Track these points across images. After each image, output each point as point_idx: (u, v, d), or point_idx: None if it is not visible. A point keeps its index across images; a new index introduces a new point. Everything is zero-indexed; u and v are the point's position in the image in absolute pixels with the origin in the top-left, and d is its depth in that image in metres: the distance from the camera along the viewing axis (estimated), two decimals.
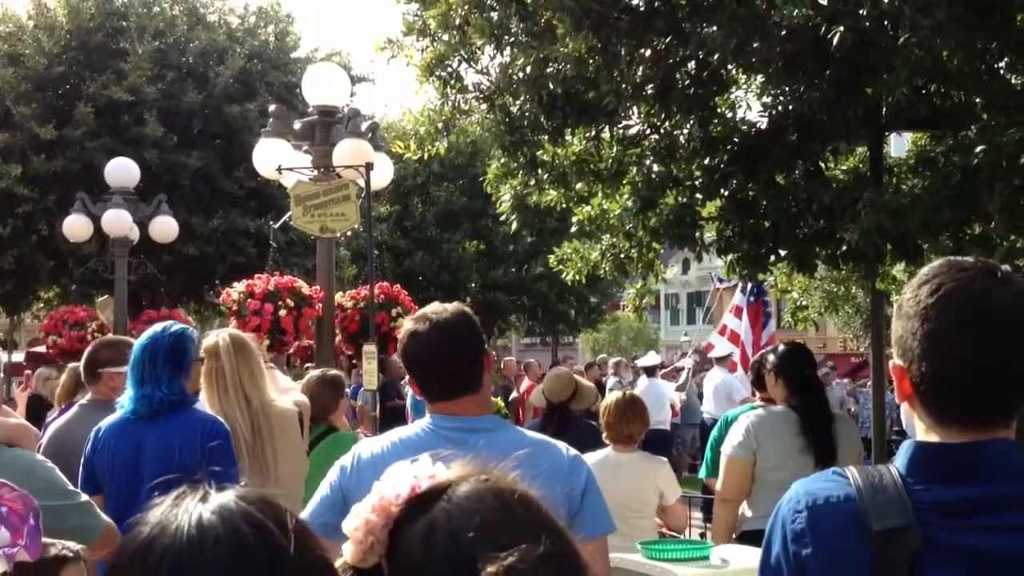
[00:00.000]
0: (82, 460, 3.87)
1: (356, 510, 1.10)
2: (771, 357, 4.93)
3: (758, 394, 5.82)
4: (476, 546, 1.01)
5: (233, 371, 4.17)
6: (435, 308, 2.71)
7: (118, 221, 12.35)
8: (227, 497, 1.04)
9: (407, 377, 2.92)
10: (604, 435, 5.22)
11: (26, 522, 1.77)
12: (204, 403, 5.75)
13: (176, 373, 3.86)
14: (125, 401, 3.87)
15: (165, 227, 13.23)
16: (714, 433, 5.64)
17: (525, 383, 13.79)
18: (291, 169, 8.74)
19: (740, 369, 13.08)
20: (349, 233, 9.77)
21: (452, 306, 2.73)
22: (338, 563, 1.11)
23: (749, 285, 13.43)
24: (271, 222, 10.98)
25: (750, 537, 4.41)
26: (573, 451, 2.72)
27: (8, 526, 1.73)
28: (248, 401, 4.16)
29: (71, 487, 3.12)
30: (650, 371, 15.08)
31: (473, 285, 29.48)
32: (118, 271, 12.72)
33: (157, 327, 3.98)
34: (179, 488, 1.06)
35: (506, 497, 1.08)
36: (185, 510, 1.02)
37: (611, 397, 5.37)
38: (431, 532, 1.04)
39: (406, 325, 2.71)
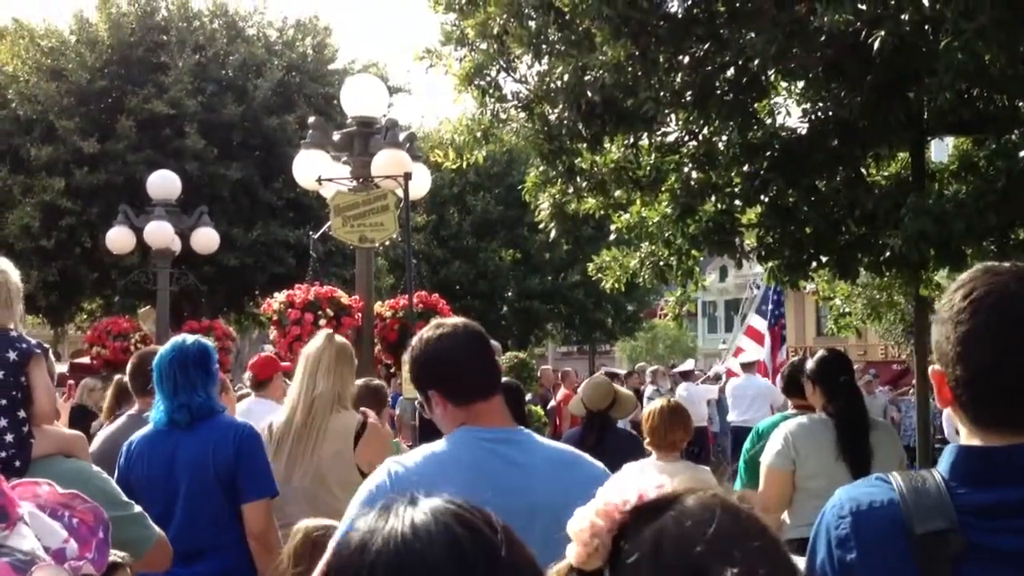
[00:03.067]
0: (116, 474, 3.81)
1: (580, 513, 1.10)
2: (809, 364, 4.90)
3: (791, 402, 5.79)
4: (707, 557, 1.00)
5: (318, 353, 4.21)
6: (444, 320, 2.69)
7: (160, 233, 12.49)
8: (437, 500, 1.05)
9: None
10: (647, 442, 5.21)
11: (95, 535, 1.75)
12: (247, 411, 5.79)
13: (208, 380, 3.88)
14: (155, 414, 3.86)
15: (206, 238, 13.35)
16: (747, 445, 5.60)
17: (562, 392, 13.76)
18: (330, 180, 8.81)
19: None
20: (387, 243, 9.82)
21: (456, 320, 2.72)
22: (559, 565, 1.11)
23: (768, 309, 13.59)
24: (310, 232, 11.07)
25: (791, 545, 4.35)
26: (601, 465, 2.70)
27: (77, 538, 1.70)
28: (315, 384, 4.18)
29: (125, 498, 3.14)
30: (686, 375, 15.73)
31: (509, 294, 29.52)
32: (160, 282, 12.86)
33: (177, 339, 3.97)
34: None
35: (736, 512, 1.07)
36: (396, 514, 1.03)
37: (654, 404, 5.37)
38: (660, 539, 1.04)
39: (422, 335, 2.64)
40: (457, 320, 2.67)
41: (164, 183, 13.12)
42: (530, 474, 2.41)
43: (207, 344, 3.98)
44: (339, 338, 4.36)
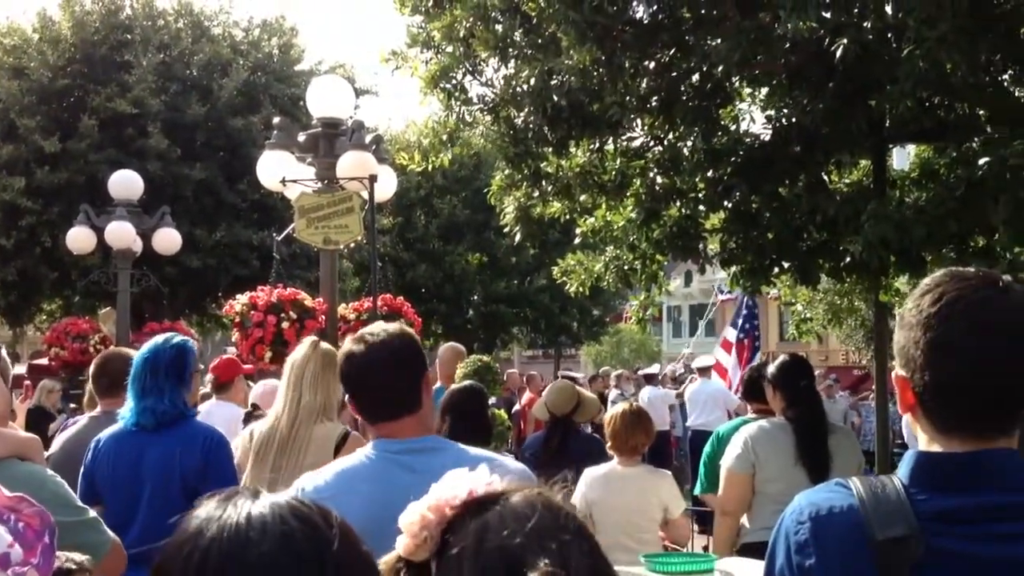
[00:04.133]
0: (82, 471, 3.85)
1: (413, 507, 1.16)
2: (770, 369, 4.93)
3: (749, 406, 5.83)
4: (525, 548, 1.06)
5: (304, 362, 4.13)
6: (374, 329, 2.65)
7: (121, 233, 12.36)
8: (278, 496, 1.08)
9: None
10: (609, 445, 5.22)
11: (41, 539, 1.71)
12: (207, 414, 5.73)
13: (178, 385, 3.86)
14: (126, 412, 3.86)
15: (168, 239, 13.22)
16: (707, 449, 5.63)
17: (527, 395, 13.76)
18: (295, 181, 8.74)
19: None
20: (352, 245, 9.77)
21: (392, 327, 2.67)
22: (389, 556, 1.16)
23: (740, 321, 13.78)
24: (274, 234, 10.99)
25: (750, 549, 4.41)
26: (521, 465, 2.70)
27: (23, 543, 1.66)
28: (301, 394, 4.12)
29: (80, 503, 3.10)
30: (650, 379, 15.88)
31: (476, 297, 29.49)
32: (121, 283, 12.72)
33: (158, 339, 3.97)
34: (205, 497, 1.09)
35: (556, 510, 1.13)
36: (235, 505, 1.06)
37: (616, 409, 5.38)
38: (483, 532, 1.10)
39: (344, 346, 2.65)
40: (378, 335, 2.60)
41: (126, 183, 12.98)
42: (430, 482, 2.38)
43: (185, 346, 3.95)
44: (325, 345, 4.30)
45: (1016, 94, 6.03)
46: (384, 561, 1.17)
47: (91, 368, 4.69)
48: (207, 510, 1.06)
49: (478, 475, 1.17)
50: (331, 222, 8.56)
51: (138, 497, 3.71)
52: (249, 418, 5.93)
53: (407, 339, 2.63)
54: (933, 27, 4.35)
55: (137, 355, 3.93)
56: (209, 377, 7.06)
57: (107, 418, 4.32)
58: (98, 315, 15.57)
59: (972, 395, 1.56)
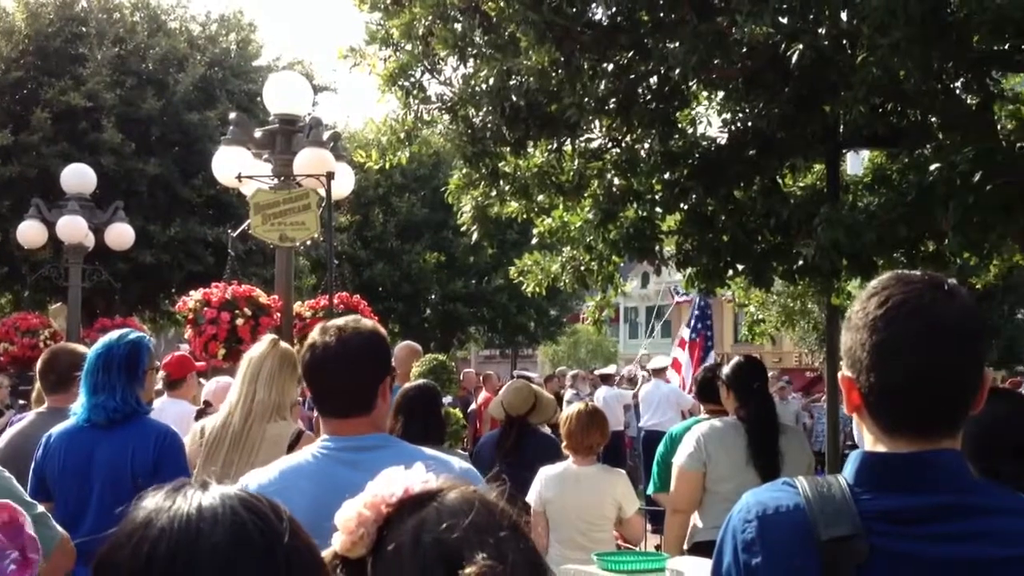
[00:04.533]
0: (32, 466, 3.80)
1: (349, 504, 1.16)
2: (725, 369, 4.99)
3: (703, 407, 5.88)
4: (462, 543, 1.07)
5: (260, 360, 4.09)
6: (343, 322, 2.61)
7: (73, 227, 12.19)
8: (227, 487, 1.07)
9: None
10: (564, 445, 5.24)
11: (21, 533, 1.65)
12: (159, 411, 5.67)
13: (130, 382, 3.82)
14: (78, 408, 3.82)
15: (121, 234, 13.06)
16: (660, 449, 5.68)
17: (483, 395, 13.77)
18: (251, 177, 8.67)
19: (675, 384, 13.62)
20: (309, 243, 9.70)
21: (366, 324, 2.63)
22: (325, 552, 1.15)
23: (693, 321, 13.94)
24: (230, 231, 10.88)
25: (701, 548, 4.45)
26: (466, 464, 2.69)
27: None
28: (256, 391, 4.09)
29: (28, 497, 3.06)
30: (606, 379, 16.09)
31: (433, 296, 29.44)
32: (72, 278, 12.54)
33: (113, 335, 3.94)
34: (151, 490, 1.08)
35: (492, 506, 1.15)
36: (184, 496, 1.05)
37: (572, 408, 5.40)
38: (421, 528, 1.10)
39: (312, 333, 2.62)
40: (345, 330, 2.57)
41: (78, 177, 12.81)
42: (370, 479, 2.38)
43: (140, 343, 3.92)
44: (284, 345, 4.27)
45: (967, 101, 6.14)
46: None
47: (38, 364, 4.63)
48: (155, 501, 1.05)
49: (415, 473, 1.18)
50: (287, 219, 8.50)
51: (89, 493, 3.68)
52: (201, 415, 5.88)
53: (374, 339, 2.59)
54: (886, 34, 4.41)
55: (91, 351, 3.89)
56: (161, 374, 6.99)
57: (54, 414, 4.27)
58: (48, 310, 15.33)
59: (917, 396, 1.58)
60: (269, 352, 4.11)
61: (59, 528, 3.09)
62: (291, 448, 4.04)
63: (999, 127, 6.32)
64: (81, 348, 4.83)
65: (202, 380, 7.47)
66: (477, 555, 1.06)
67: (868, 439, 1.66)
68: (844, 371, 1.67)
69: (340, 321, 2.64)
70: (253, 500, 1.06)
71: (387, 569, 1.11)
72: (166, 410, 6.14)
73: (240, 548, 1.01)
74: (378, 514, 1.14)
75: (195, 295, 8.84)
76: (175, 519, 1.01)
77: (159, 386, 7.11)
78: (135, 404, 3.84)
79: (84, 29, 20.50)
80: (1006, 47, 5.31)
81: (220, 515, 1.02)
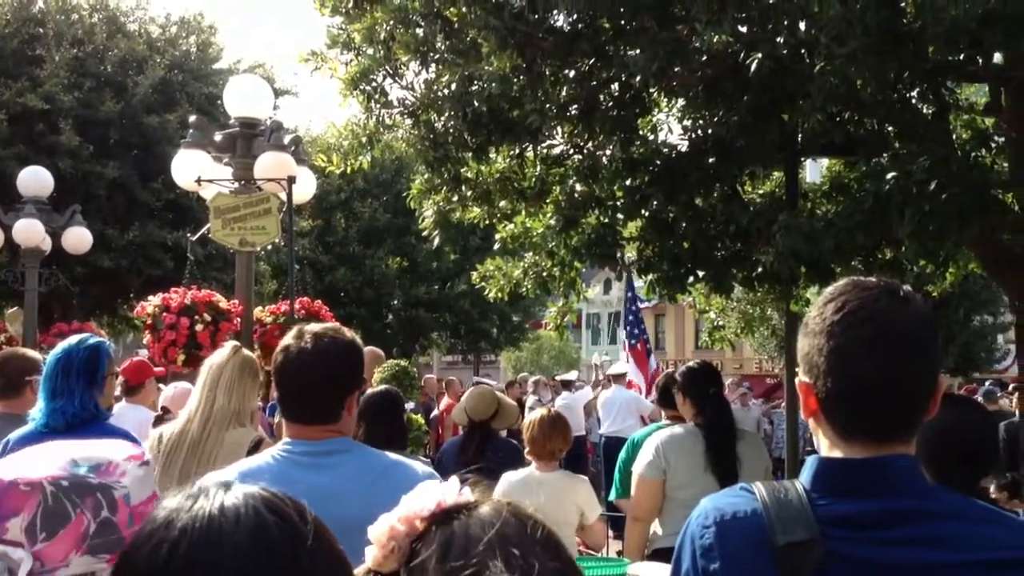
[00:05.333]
0: None
1: (383, 518, 1.15)
2: (678, 376, 5.01)
3: (663, 412, 5.90)
4: (488, 554, 1.05)
5: (220, 367, 4.05)
6: (322, 329, 2.58)
7: (30, 231, 12.02)
8: (250, 487, 1.05)
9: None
10: (527, 450, 5.23)
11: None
12: (117, 417, 5.59)
13: (89, 387, 3.77)
14: (36, 414, 3.77)
15: (78, 238, 12.91)
16: (622, 455, 5.69)
17: (445, 401, 13.74)
18: (211, 181, 8.61)
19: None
20: (270, 247, 9.66)
21: (344, 334, 2.59)
22: (359, 569, 1.14)
23: (629, 328, 14.03)
24: (189, 235, 10.80)
25: (662, 555, 4.45)
26: (428, 469, 2.67)
27: None
28: (215, 398, 4.04)
29: None
30: (567, 384, 16.26)
31: (396, 302, 29.37)
32: (29, 282, 12.38)
33: (72, 339, 3.88)
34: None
35: (524, 519, 1.13)
36: (207, 496, 1.02)
37: (534, 414, 5.39)
38: (449, 540, 1.09)
39: (287, 336, 2.59)
40: (326, 338, 2.53)
41: (35, 180, 12.64)
42: (336, 486, 2.36)
43: (100, 348, 3.87)
44: (246, 352, 4.23)
45: (923, 111, 6.22)
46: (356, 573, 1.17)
47: None
48: (176, 501, 1.03)
49: (449, 487, 1.17)
50: (248, 223, 8.45)
51: None
52: (159, 421, 5.81)
53: (349, 350, 2.55)
54: (843, 44, 4.47)
55: (50, 355, 3.84)
56: (120, 380, 6.91)
57: (5, 420, 4.20)
58: (4, 315, 15.10)
59: (872, 402, 1.60)
60: (230, 359, 4.07)
61: None
62: (249, 455, 4.01)
63: (954, 136, 6.41)
64: (32, 353, 4.76)
65: (161, 386, 7.38)
66: (498, 565, 1.04)
67: (824, 444, 1.67)
68: (801, 376, 1.68)
69: (319, 327, 2.61)
70: (277, 500, 1.04)
71: None
72: (124, 416, 6.06)
73: (263, 550, 0.99)
74: (411, 528, 1.13)
75: (154, 300, 8.75)
76: (197, 519, 0.99)
77: (117, 392, 7.03)
78: (94, 409, 3.80)
79: (41, 30, 20.26)
80: (961, 57, 5.39)
81: (243, 515, 1.00)
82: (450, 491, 1.16)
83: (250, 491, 1.04)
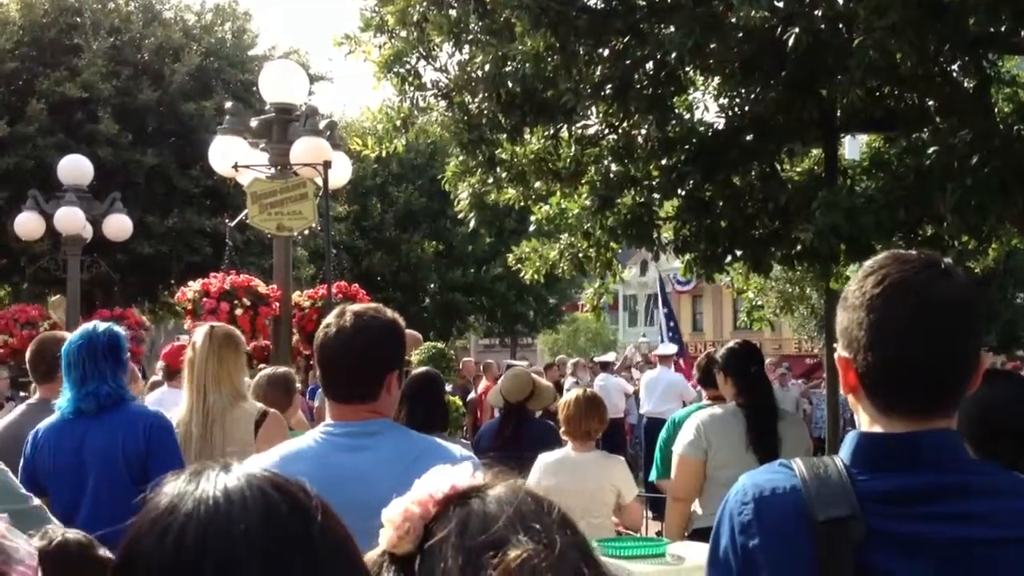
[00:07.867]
0: (21, 463, 3.75)
1: (397, 501, 1.15)
2: (719, 355, 4.96)
3: (704, 392, 5.86)
4: (507, 531, 1.05)
5: (202, 362, 4.11)
6: (363, 308, 2.60)
7: (71, 219, 12.16)
8: (251, 468, 1.02)
9: None
10: (562, 431, 5.23)
11: None
12: (159, 401, 5.66)
13: (117, 368, 3.81)
14: (63, 403, 3.79)
15: (119, 225, 13.04)
16: (663, 435, 5.66)
17: (483, 384, 13.77)
18: (248, 167, 8.65)
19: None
20: (307, 232, 9.70)
21: (385, 313, 2.60)
22: (372, 552, 1.14)
23: (664, 318, 14.05)
24: (227, 221, 10.86)
25: (702, 535, 4.43)
26: (467, 452, 2.67)
27: None
28: (206, 395, 4.09)
29: (24, 491, 3.05)
30: (605, 366, 16.03)
31: (432, 286, 29.44)
32: (71, 270, 12.52)
33: (87, 326, 3.91)
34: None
35: (540, 498, 1.14)
36: (207, 479, 0.99)
37: (571, 394, 5.39)
38: (467, 519, 1.09)
39: (330, 315, 2.60)
40: (368, 316, 2.55)
41: (75, 168, 12.77)
42: (371, 467, 2.39)
43: (118, 331, 3.91)
44: (219, 328, 4.24)
45: (964, 84, 6.12)
46: (367, 557, 1.15)
47: (28, 355, 4.59)
48: (177, 485, 1.00)
49: (462, 470, 1.18)
50: (284, 208, 8.49)
51: (83, 483, 3.67)
52: None
53: (387, 329, 2.56)
54: (883, 16, 4.40)
55: (67, 344, 3.84)
56: (161, 364, 6.98)
57: (44, 405, 4.24)
58: (48, 302, 15.30)
59: (912, 376, 1.57)
60: (207, 346, 4.09)
61: (56, 521, 3.08)
62: (257, 425, 4.06)
63: (996, 110, 6.30)
64: (66, 334, 4.80)
65: None
66: (522, 538, 1.04)
67: (864, 419, 1.65)
68: (840, 351, 1.65)
69: (361, 307, 2.62)
70: (280, 480, 1.02)
71: (433, 560, 1.09)
72: (166, 400, 6.12)
73: (274, 531, 0.96)
74: (425, 511, 1.13)
75: (194, 285, 8.83)
76: (201, 503, 0.96)
77: (159, 376, 7.10)
78: (124, 389, 3.84)
79: (79, 20, 20.44)
80: (1003, 29, 5.28)
81: (249, 497, 0.97)
82: (463, 474, 1.16)
83: (252, 471, 1.02)
